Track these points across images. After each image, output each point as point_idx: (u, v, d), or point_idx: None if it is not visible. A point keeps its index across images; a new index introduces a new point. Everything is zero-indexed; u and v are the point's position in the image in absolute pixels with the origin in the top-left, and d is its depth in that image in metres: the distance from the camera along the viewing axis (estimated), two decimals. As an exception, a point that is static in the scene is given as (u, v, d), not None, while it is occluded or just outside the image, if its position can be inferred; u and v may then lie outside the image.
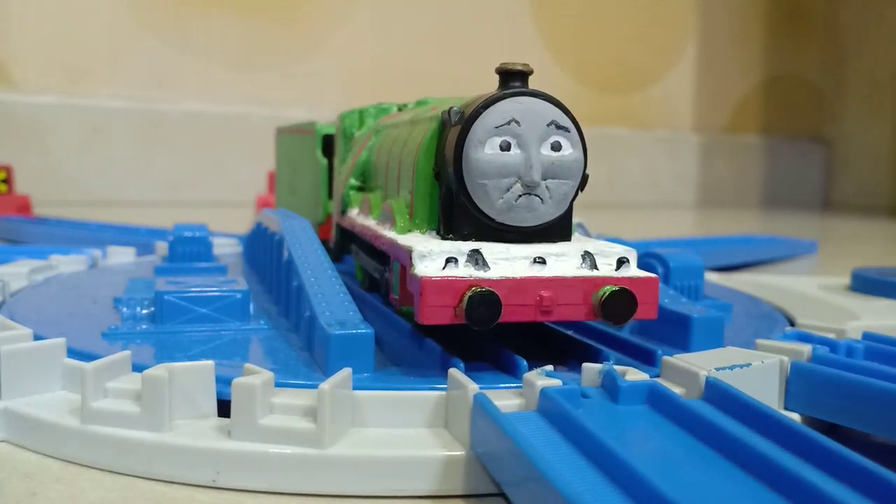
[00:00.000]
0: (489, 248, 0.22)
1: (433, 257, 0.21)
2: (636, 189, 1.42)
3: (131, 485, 0.19)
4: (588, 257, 0.23)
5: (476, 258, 0.22)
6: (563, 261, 0.22)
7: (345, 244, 0.35)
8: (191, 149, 1.09)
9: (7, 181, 0.74)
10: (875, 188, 1.53)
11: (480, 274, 0.21)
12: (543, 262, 0.22)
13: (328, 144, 0.39)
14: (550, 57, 1.34)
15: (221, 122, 1.11)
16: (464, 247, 0.22)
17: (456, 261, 0.21)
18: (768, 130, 1.59)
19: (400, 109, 0.35)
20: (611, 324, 0.22)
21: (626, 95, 1.44)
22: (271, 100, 1.14)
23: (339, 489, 0.18)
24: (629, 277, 0.22)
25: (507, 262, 0.22)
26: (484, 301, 0.21)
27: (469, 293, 0.21)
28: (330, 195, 0.39)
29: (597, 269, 0.23)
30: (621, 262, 0.23)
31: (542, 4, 1.34)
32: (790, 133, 1.61)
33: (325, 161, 0.39)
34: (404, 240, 0.23)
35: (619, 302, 0.22)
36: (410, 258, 0.22)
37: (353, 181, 0.33)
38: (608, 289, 0.22)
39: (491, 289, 0.21)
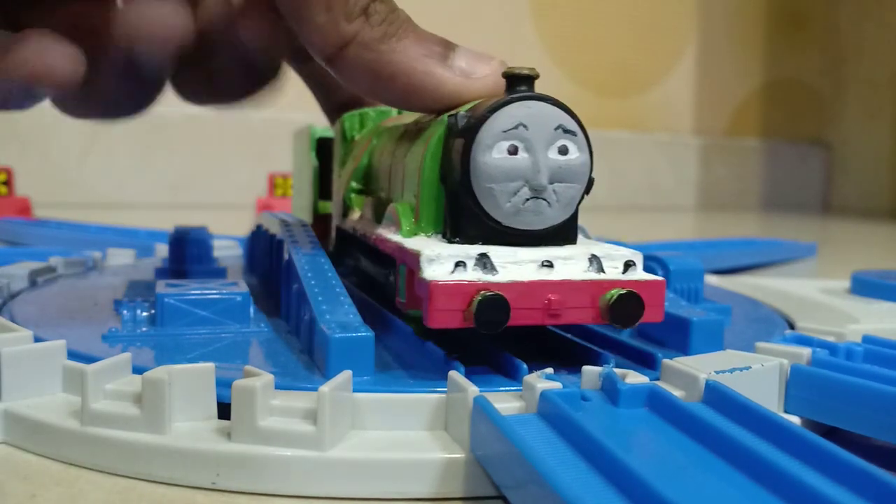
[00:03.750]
0: (496, 252, 0.22)
1: (441, 261, 0.21)
2: (636, 192, 1.42)
3: (132, 487, 0.19)
4: (595, 261, 0.23)
5: (484, 262, 0.22)
6: (570, 264, 0.22)
7: (344, 247, 0.35)
8: (191, 151, 1.09)
9: (7, 183, 0.74)
10: (875, 191, 1.54)
11: (489, 278, 0.21)
12: (551, 265, 0.22)
13: (322, 147, 0.39)
14: (550, 60, 1.34)
15: (221, 125, 1.11)
16: (471, 250, 0.22)
17: (464, 265, 0.21)
18: (768, 134, 1.60)
19: (400, 112, 0.35)
20: (619, 327, 0.22)
21: (626, 98, 1.44)
22: (271, 102, 1.14)
23: (338, 492, 0.18)
24: (636, 280, 0.22)
25: (515, 265, 0.22)
26: (493, 305, 0.21)
27: (478, 297, 0.21)
28: (323, 196, 0.39)
29: (603, 272, 0.23)
30: (628, 265, 0.23)
31: (542, 8, 1.34)
32: (790, 136, 1.61)
33: (316, 162, 0.39)
34: (411, 243, 0.23)
35: (628, 305, 0.22)
36: (419, 262, 0.22)
37: (353, 184, 0.33)
38: (616, 292, 0.22)
39: (500, 293, 0.21)
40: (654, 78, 1.46)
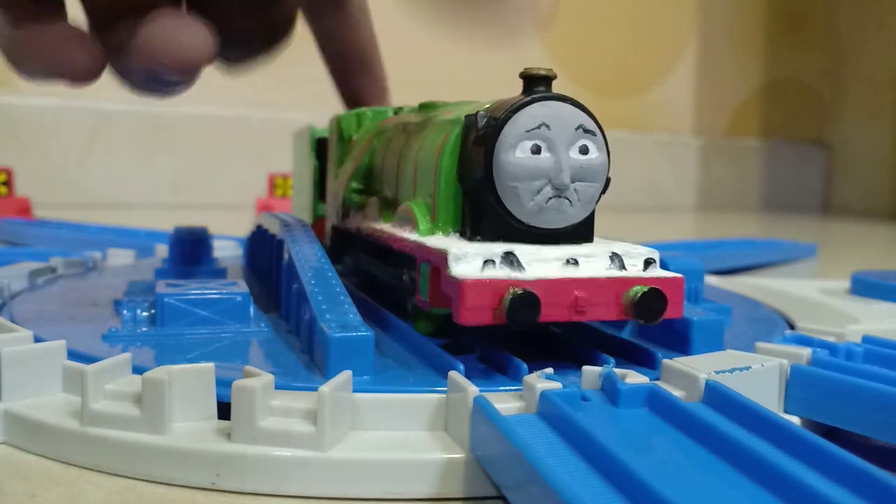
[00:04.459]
0: (521, 250, 0.22)
1: (469, 259, 0.22)
2: (636, 192, 1.42)
3: (131, 487, 0.19)
4: (616, 258, 0.23)
5: (511, 259, 0.22)
6: (592, 262, 0.23)
7: (342, 247, 0.35)
8: (191, 151, 1.09)
9: (7, 183, 0.74)
10: (875, 191, 1.54)
11: (518, 275, 0.21)
12: (576, 263, 0.22)
13: (322, 147, 0.39)
14: (550, 60, 1.34)
15: (221, 125, 1.11)
16: (496, 248, 0.22)
17: (493, 262, 0.22)
18: (768, 134, 1.60)
19: (396, 113, 0.35)
20: (643, 322, 0.22)
21: (626, 99, 1.44)
22: (271, 102, 1.14)
23: (338, 492, 0.18)
24: (658, 277, 0.23)
25: (540, 263, 0.22)
26: (525, 302, 0.21)
27: (509, 294, 0.21)
28: (324, 197, 0.39)
29: (625, 269, 0.23)
30: (648, 262, 0.23)
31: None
32: (790, 136, 1.61)
33: (316, 163, 0.39)
34: (433, 242, 0.23)
35: (652, 301, 0.22)
36: (447, 260, 0.22)
37: (354, 184, 0.33)
38: (639, 289, 0.22)
39: (530, 289, 0.21)
40: (654, 78, 1.46)
